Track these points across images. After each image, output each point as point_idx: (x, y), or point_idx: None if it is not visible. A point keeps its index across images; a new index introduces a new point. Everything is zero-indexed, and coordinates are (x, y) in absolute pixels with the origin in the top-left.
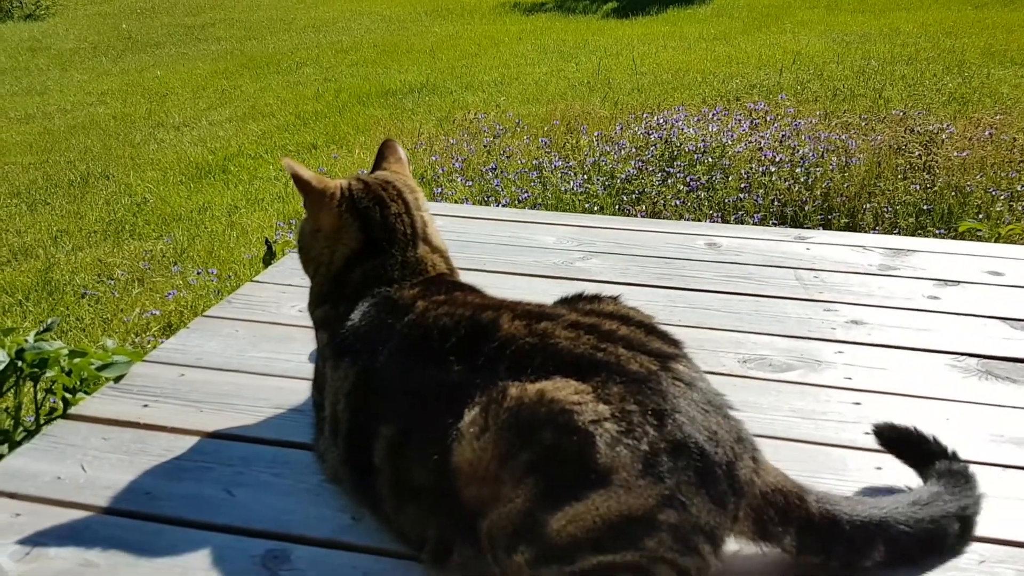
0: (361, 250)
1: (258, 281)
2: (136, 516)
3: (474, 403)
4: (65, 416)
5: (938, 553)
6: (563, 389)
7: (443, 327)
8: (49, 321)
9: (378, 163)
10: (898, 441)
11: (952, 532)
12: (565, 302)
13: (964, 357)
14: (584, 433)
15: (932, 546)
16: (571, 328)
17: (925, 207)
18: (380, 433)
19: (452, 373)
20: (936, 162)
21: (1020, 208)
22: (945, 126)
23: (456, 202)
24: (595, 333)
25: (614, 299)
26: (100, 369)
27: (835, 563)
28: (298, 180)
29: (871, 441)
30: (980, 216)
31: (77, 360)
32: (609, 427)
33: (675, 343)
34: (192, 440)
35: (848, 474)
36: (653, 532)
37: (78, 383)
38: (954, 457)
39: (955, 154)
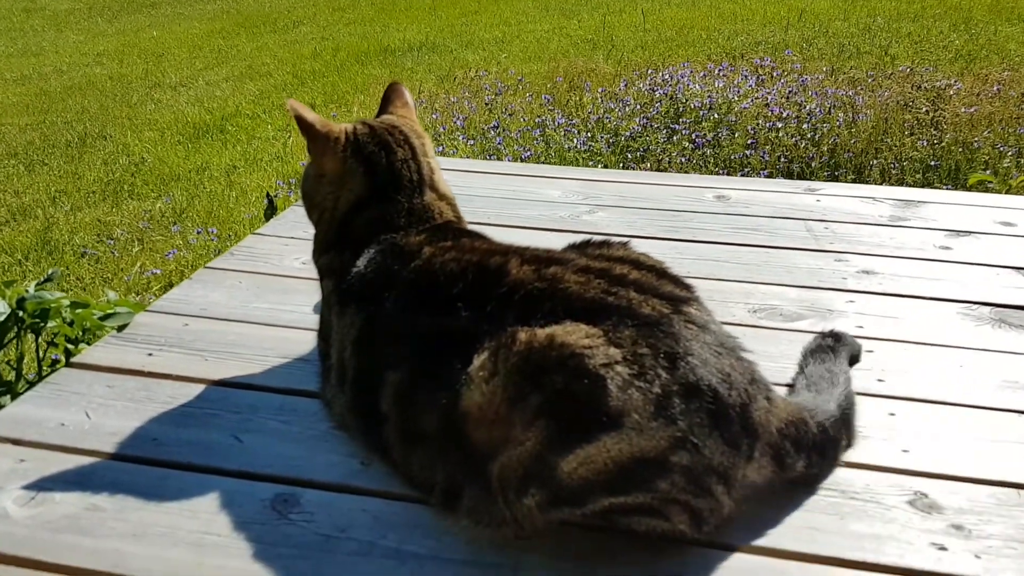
0: (366, 196)
1: (260, 234)
2: (142, 462)
3: (483, 348)
4: (68, 365)
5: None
6: (574, 333)
7: (450, 273)
8: (50, 272)
9: (384, 107)
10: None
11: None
12: (574, 248)
13: (977, 306)
14: (595, 376)
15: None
16: (581, 272)
17: (932, 163)
18: (387, 379)
19: (460, 319)
20: (943, 118)
21: None
22: (952, 82)
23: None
24: (606, 277)
25: (624, 244)
26: (103, 319)
27: (827, 465)
28: (302, 123)
29: (883, 387)
30: (988, 172)
31: (79, 311)
32: (621, 370)
33: (687, 287)
34: (198, 388)
35: (859, 419)
36: (666, 474)
37: (80, 334)
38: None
39: (962, 110)
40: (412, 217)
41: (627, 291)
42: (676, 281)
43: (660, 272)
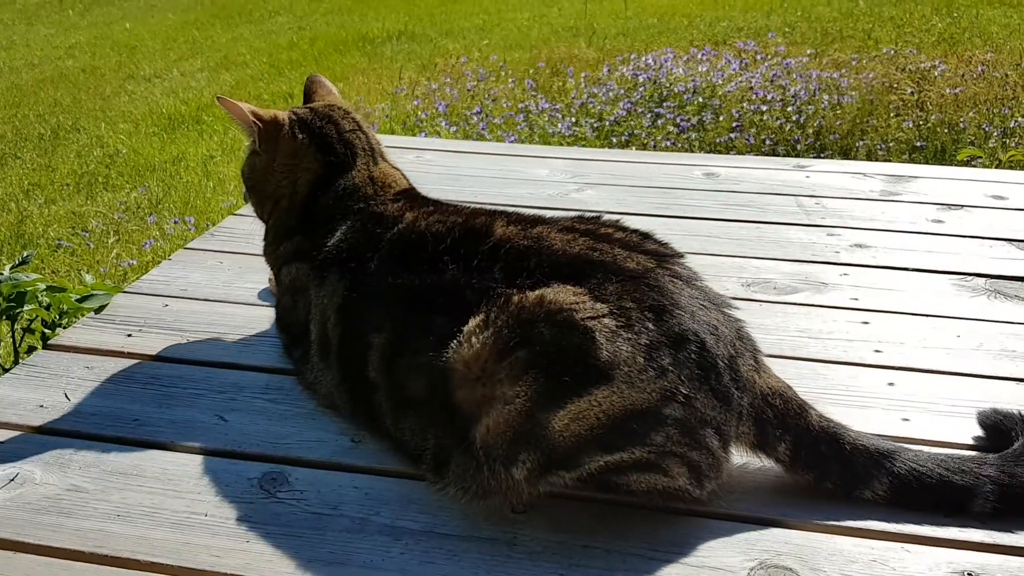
0: (325, 172)
1: (240, 214)
2: (125, 442)
3: (475, 312)
4: (46, 347)
5: (956, 513)
6: (562, 292)
7: (436, 232)
8: (25, 254)
9: (308, 98)
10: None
11: (983, 495)
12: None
13: (971, 277)
14: (583, 328)
15: (948, 501)
16: (566, 231)
17: (918, 143)
18: (373, 343)
19: (446, 275)
20: (929, 98)
21: (1013, 144)
22: (936, 64)
23: None
24: (590, 236)
25: (615, 222)
26: (81, 301)
27: (829, 484)
28: (240, 115)
29: (881, 358)
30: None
31: (57, 295)
32: (608, 322)
33: (672, 249)
34: (180, 368)
35: (858, 390)
36: (660, 427)
37: (57, 317)
38: None
39: (947, 91)
40: (376, 185)
41: (611, 247)
42: (660, 243)
43: (644, 234)
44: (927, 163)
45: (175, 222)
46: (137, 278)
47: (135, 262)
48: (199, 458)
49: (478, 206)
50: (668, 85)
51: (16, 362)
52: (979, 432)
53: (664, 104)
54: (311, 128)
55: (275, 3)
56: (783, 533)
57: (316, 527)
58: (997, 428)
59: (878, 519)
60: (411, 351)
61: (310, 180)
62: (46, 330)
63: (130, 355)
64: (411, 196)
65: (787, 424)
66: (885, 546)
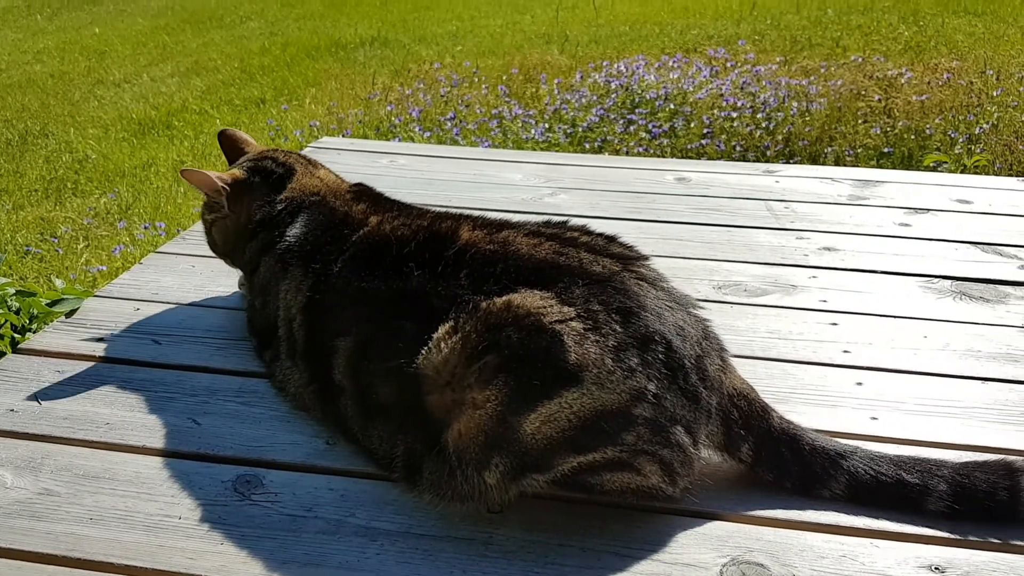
0: (275, 181)
1: None
2: (96, 446)
3: (443, 318)
4: (16, 351)
5: (914, 511)
6: (529, 298)
7: (400, 236)
8: None
9: (233, 151)
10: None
11: (936, 494)
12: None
13: (938, 279)
14: (551, 332)
15: (906, 497)
16: (532, 236)
17: (886, 149)
18: (339, 347)
19: (412, 280)
20: (896, 105)
21: (978, 150)
22: (904, 71)
23: None
24: (556, 240)
25: (581, 226)
26: (51, 305)
27: (788, 483)
28: (206, 183)
29: (850, 359)
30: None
31: (26, 299)
32: (575, 325)
33: (638, 251)
34: (152, 372)
35: (827, 389)
36: (630, 426)
37: (27, 322)
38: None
39: (914, 98)
40: (322, 181)
41: (577, 252)
42: (626, 246)
43: (610, 238)
44: (894, 168)
45: (145, 227)
46: (106, 284)
47: (105, 268)
48: (172, 461)
49: (444, 210)
50: (640, 92)
51: None
52: (946, 428)
53: (636, 111)
54: (258, 168)
55: (247, 8)
56: (755, 530)
57: (291, 529)
58: None
59: (847, 516)
60: (377, 356)
61: (264, 194)
62: (15, 335)
63: (102, 359)
64: (373, 196)
65: (750, 425)
66: (855, 542)
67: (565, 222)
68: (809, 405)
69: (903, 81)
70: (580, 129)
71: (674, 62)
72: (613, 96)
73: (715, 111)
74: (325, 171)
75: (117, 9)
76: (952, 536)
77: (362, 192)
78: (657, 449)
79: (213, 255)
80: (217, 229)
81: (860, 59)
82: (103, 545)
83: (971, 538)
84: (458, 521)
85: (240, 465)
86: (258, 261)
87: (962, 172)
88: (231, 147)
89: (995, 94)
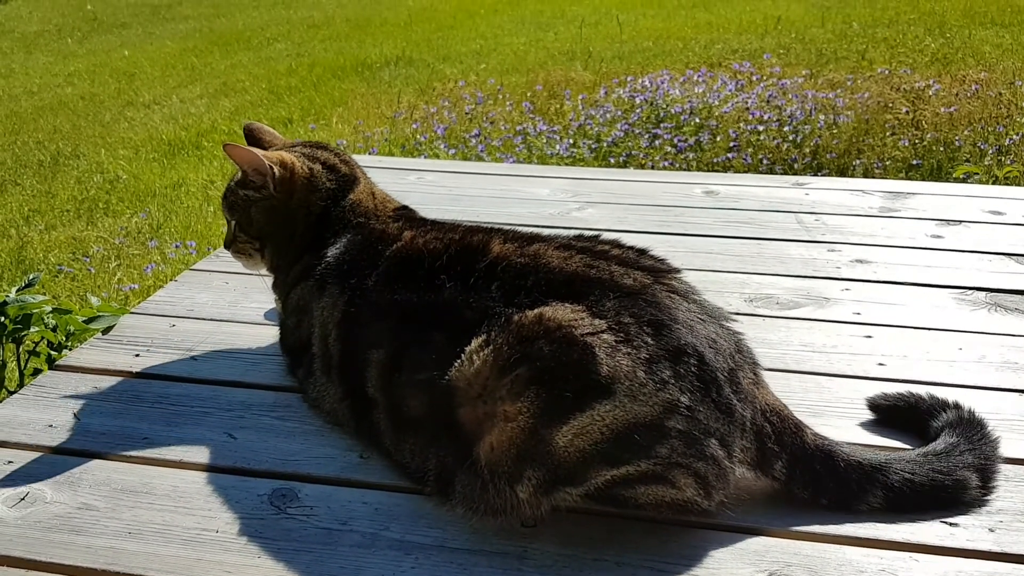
0: (337, 187)
1: None
2: (134, 460)
3: (475, 331)
4: (54, 368)
5: (953, 506)
6: (560, 310)
7: (432, 250)
8: (31, 276)
9: (258, 145)
10: (891, 409)
11: (972, 485)
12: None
13: (972, 291)
14: (582, 344)
15: (943, 498)
16: (562, 249)
17: (915, 161)
18: (372, 359)
19: (443, 292)
20: (924, 117)
21: (1009, 161)
22: (931, 83)
23: None
24: (587, 253)
25: (612, 239)
26: (88, 322)
27: (825, 500)
28: (253, 162)
29: (885, 372)
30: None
31: (63, 316)
32: (607, 337)
33: (669, 264)
34: (187, 387)
35: (863, 403)
36: (663, 439)
37: (64, 339)
38: (957, 407)
39: (942, 109)
40: (376, 200)
41: (608, 264)
42: (657, 259)
43: (641, 250)
44: (924, 180)
45: (176, 246)
46: (139, 302)
47: (136, 286)
48: (209, 475)
49: (475, 224)
50: (665, 106)
51: (21, 384)
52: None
53: (661, 125)
54: (315, 157)
55: (273, 30)
56: (792, 544)
57: (326, 542)
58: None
59: (886, 529)
60: (409, 368)
61: (324, 200)
62: (52, 352)
63: (138, 375)
64: (409, 215)
65: (784, 442)
66: (893, 556)
67: (596, 236)
68: (844, 419)
69: (931, 93)
70: (605, 144)
71: (699, 76)
72: (638, 111)
73: (741, 124)
74: (379, 189)
75: (146, 32)
76: (994, 550)
77: (403, 215)
78: (691, 462)
79: (246, 272)
80: (257, 210)
81: (887, 71)
82: (141, 559)
83: (1014, 551)
84: (492, 535)
85: (276, 479)
86: (296, 283)
87: (993, 183)
88: (255, 141)
89: None
